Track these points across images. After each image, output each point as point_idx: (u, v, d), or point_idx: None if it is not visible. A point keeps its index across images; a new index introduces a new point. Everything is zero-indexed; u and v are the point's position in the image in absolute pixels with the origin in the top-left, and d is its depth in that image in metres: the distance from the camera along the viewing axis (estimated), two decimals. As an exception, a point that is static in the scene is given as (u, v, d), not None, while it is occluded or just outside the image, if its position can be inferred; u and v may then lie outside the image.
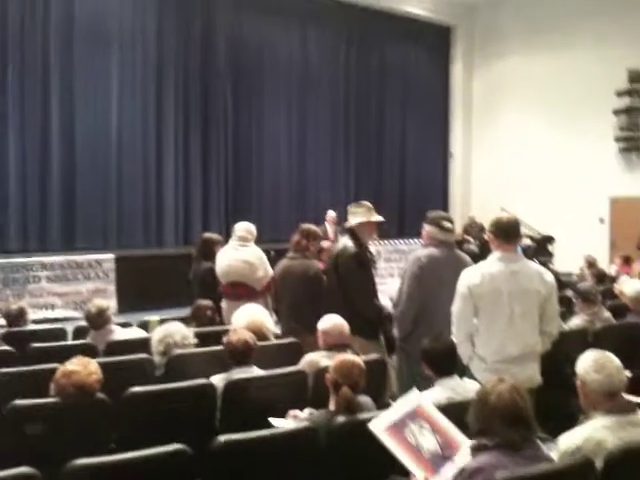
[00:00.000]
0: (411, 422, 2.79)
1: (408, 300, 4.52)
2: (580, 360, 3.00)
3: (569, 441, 2.78)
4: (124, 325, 5.60)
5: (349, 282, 4.95)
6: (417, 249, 4.88)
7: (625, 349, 3.08)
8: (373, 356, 4.27)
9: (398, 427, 2.76)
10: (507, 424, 2.45)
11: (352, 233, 5.12)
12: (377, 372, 4.10)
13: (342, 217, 5.37)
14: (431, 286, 4.46)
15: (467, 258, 4.72)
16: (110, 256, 10.29)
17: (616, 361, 2.94)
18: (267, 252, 6.52)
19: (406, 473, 2.73)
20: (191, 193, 12.90)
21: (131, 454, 2.63)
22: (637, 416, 2.87)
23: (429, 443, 2.72)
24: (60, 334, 5.66)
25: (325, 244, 6.73)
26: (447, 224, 4.66)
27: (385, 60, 16.16)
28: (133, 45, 12.07)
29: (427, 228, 4.68)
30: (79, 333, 5.58)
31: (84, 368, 3.30)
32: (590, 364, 2.92)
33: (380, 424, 2.77)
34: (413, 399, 2.96)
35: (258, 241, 6.49)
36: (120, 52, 11.87)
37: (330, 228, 11.25)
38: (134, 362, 4.24)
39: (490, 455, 2.41)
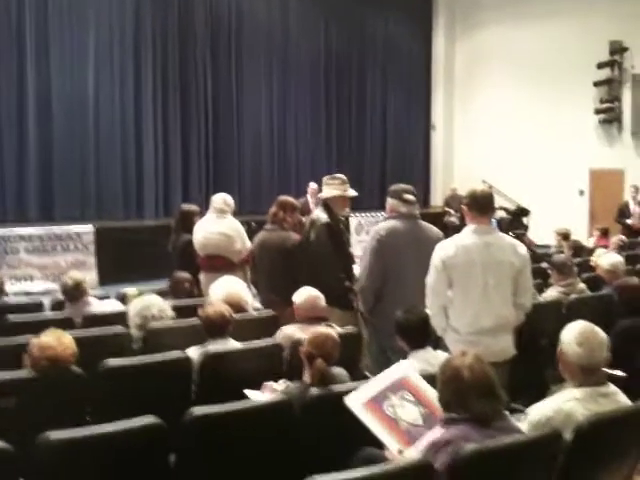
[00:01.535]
0: (392, 394, 2.80)
1: (368, 274, 4.55)
2: (566, 329, 2.98)
3: (538, 413, 2.81)
4: (102, 298, 5.58)
5: (317, 252, 4.99)
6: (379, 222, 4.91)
7: (599, 321, 3.09)
8: (348, 328, 4.30)
9: (376, 400, 2.77)
10: (480, 397, 2.48)
11: (326, 205, 5.18)
12: (352, 344, 4.12)
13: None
14: (392, 259, 4.47)
15: (434, 229, 4.74)
16: (89, 228, 10.22)
17: (601, 336, 2.92)
18: (248, 224, 6.50)
19: (380, 445, 2.76)
20: (171, 164, 12.81)
21: (104, 427, 2.64)
22: (608, 388, 2.90)
23: (410, 414, 2.74)
24: (37, 307, 5.62)
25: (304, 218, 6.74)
26: (408, 196, 4.65)
27: (366, 30, 16.03)
28: (110, 12, 11.83)
29: (389, 201, 4.71)
30: (56, 306, 5.54)
31: (58, 341, 3.28)
32: (574, 335, 2.90)
33: (357, 398, 2.79)
34: (400, 369, 2.98)
35: (239, 213, 6.47)
36: (97, 19, 11.66)
37: (311, 200, 11.23)
38: (111, 335, 4.22)
39: (460, 428, 2.44)
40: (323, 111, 15.45)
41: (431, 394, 2.80)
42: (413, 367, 3.40)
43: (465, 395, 2.50)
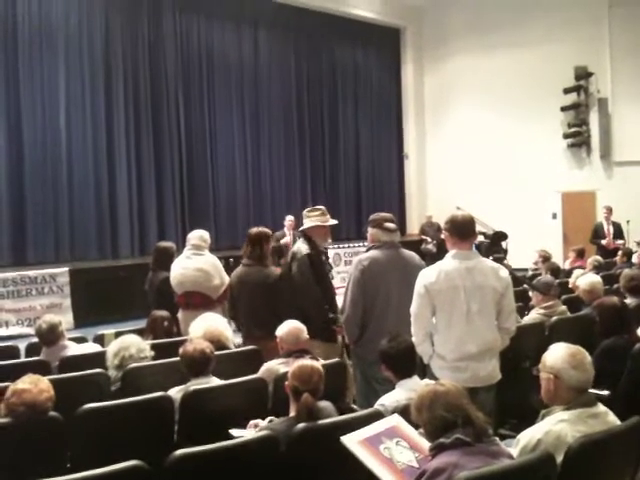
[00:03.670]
0: (387, 439, 2.77)
1: (352, 305, 4.54)
2: (552, 353, 2.93)
3: (529, 436, 2.76)
4: (79, 340, 5.47)
5: (299, 284, 4.96)
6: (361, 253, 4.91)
7: (581, 341, 3.08)
8: (332, 360, 4.24)
9: (372, 441, 2.74)
10: (457, 420, 2.48)
11: (306, 236, 5.17)
12: (337, 375, 4.06)
13: (300, 221, 5.39)
14: (375, 288, 4.48)
15: (415, 256, 4.75)
16: (64, 270, 10.10)
17: (589, 357, 2.92)
18: (226, 260, 6.43)
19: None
20: (145, 202, 12.73)
21: (85, 473, 2.54)
22: (598, 408, 2.87)
23: (405, 457, 2.70)
24: (13, 352, 5.50)
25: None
26: (389, 225, 4.68)
27: (336, 63, 16.27)
28: (80, 51, 11.86)
29: (370, 231, 4.73)
30: (32, 350, 5.42)
31: (35, 386, 3.19)
32: (567, 359, 2.86)
33: (353, 437, 2.74)
34: (390, 419, 2.95)
35: (215, 248, 6.40)
36: (67, 58, 11.67)
37: (289, 233, 11.21)
38: (88, 378, 4.12)
39: (450, 454, 2.39)
40: (296, 144, 15.53)
41: (423, 442, 2.76)
42: (398, 397, 3.37)
43: (448, 417, 2.48)
